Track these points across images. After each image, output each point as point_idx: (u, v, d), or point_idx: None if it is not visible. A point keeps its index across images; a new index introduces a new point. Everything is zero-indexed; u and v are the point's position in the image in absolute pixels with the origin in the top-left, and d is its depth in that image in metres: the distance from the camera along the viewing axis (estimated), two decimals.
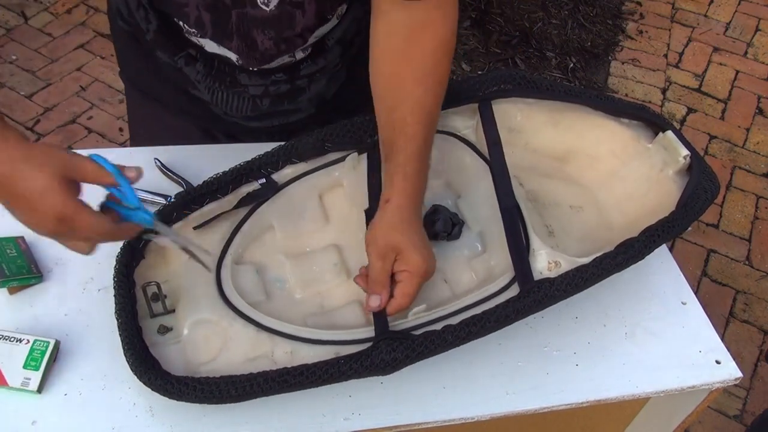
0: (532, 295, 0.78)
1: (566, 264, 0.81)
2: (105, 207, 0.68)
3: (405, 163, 0.79)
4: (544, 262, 0.82)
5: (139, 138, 1.15)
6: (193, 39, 0.90)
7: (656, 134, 0.95)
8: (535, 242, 0.83)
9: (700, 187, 0.88)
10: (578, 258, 0.82)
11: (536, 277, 0.80)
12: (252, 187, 0.87)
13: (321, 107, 1.01)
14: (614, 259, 0.81)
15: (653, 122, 0.96)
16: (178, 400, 0.71)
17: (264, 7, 0.82)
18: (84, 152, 0.64)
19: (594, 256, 0.81)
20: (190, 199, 0.84)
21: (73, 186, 0.64)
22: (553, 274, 0.80)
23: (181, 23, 0.88)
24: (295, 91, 0.96)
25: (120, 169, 0.66)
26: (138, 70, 1.02)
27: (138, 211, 0.67)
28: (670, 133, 0.93)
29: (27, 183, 0.62)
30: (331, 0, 0.87)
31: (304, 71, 0.95)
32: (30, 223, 0.65)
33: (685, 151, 0.91)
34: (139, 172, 0.68)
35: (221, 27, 0.85)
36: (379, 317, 0.77)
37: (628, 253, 0.81)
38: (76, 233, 0.65)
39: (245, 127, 1.01)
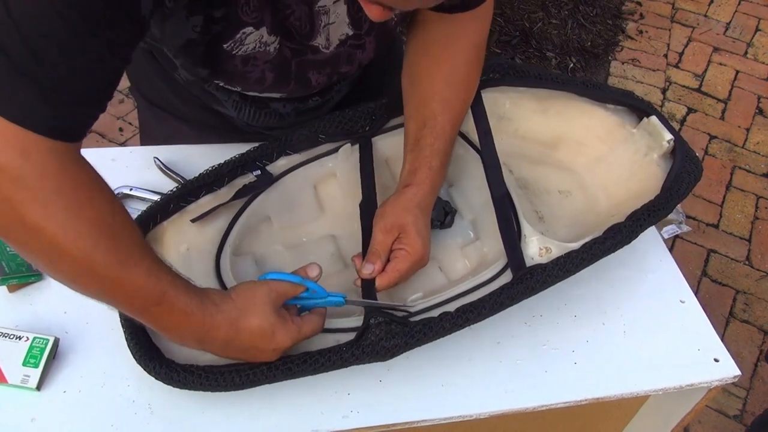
0: (525, 282, 0.79)
1: (557, 250, 0.83)
2: (288, 304, 0.75)
3: (431, 158, 0.83)
4: (536, 248, 0.83)
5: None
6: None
7: (641, 119, 0.97)
8: (527, 229, 0.84)
9: (684, 170, 0.90)
10: (568, 243, 0.83)
11: (528, 263, 0.82)
12: (247, 179, 0.88)
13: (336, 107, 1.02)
14: (603, 244, 0.82)
15: (638, 108, 0.98)
16: (182, 388, 0.72)
17: (324, 50, 0.82)
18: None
19: (583, 242, 0.83)
20: (187, 191, 0.85)
21: (282, 308, 0.72)
22: (544, 260, 0.82)
23: (238, 89, 0.87)
24: (323, 104, 0.97)
25: (302, 275, 0.74)
26: (153, 86, 1.01)
27: (329, 297, 0.75)
28: (654, 118, 0.94)
29: (253, 336, 0.69)
30: (388, 33, 0.87)
31: (336, 87, 0.95)
32: (261, 359, 0.72)
33: (668, 136, 0.92)
34: (319, 269, 0.76)
35: (282, 81, 0.84)
36: (368, 290, 0.79)
37: (616, 238, 0.83)
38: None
39: (263, 133, 1.01)
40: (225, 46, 0.75)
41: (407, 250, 0.79)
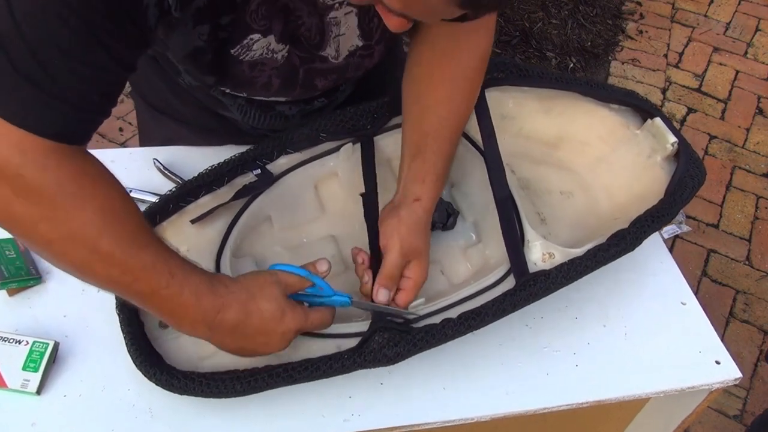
0: (528, 288, 0.79)
1: (560, 255, 0.82)
2: (297, 299, 0.74)
3: (437, 164, 0.83)
4: (539, 254, 0.83)
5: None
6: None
7: (645, 120, 0.96)
8: (530, 233, 0.84)
9: (688, 174, 0.89)
10: (571, 249, 0.83)
11: (531, 268, 0.81)
12: (247, 179, 0.88)
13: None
14: (607, 251, 0.82)
15: (642, 108, 0.97)
16: (182, 394, 0.71)
17: (333, 60, 0.83)
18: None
19: (587, 248, 0.82)
20: (186, 191, 0.84)
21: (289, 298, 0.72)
22: (547, 266, 0.81)
23: (244, 94, 0.87)
24: (328, 105, 0.97)
25: (311, 270, 0.74)
26: (153, 88, 1.01)
27: (335, 297, 0.75)
28: (658, 120, 0.94)
29: (264, 318, 0.69)
30: (396, 38, 0.87)
31: (342, 88, 0.96)
32: (267, 347, 0.71)
33: (672, 138, 0.92)
34: (329, 264, 0.75)
35: (289, 86, 0.85)
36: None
37: (620, 245, 0.83)
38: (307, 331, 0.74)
39: (266, 135, 1.01)
40: (232, 51, 0.75)
41: (415, 279, 0.79)
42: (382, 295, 0.77)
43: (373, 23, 0.80)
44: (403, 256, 0.79)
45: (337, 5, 0.76)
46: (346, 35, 0.80)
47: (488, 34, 0.87)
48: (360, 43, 0.82)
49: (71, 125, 0.61)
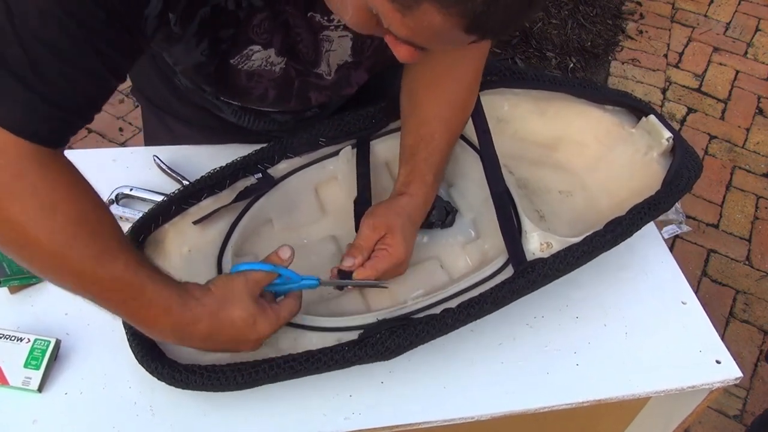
0: (527, 276, 0.79)
1: (558, 244, 0.83)
2: (264, 291, 0.75)
3: (426, 172, 0.85)
4: (536, 244, 0.83)
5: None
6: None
7: (639, 119, 0.97)
8: (527, 225, 0.84)
9: (684, 166, 0.90)
10: (569, 238, 0.83)
11: (529, 258, 0.82)
12: (249, 182, 0.88)
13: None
14: (603, 237, 0.83)
15: (636, 107, 0.98)
16: (184, 388, 0.71)
17: (327, 77, 0.85)
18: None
19: (584, 236, 0.83)
20: (188, 193, 0.85)
21: (259, 297, 0.73)
22: (545, 255, 0.82)
23: (237, 103, 0.88)
24: (320, 113, 0.98)
25: (275, 261, 0.75)
26: (154, 88, 1.02)
27: (303, 281, 0.76)
28: (652, 117, 0.95)
29: (235, 327, 0.70)
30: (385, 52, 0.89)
31: (334, 100, 0.96)
32: (243, 349, 0.73)
33: (667, 134, 0.93)
34: (291, 250, 0.76)
35: (284, 98, 0.86)
36: (344, 275, 0.80)
37: (617, 230, 0.83)
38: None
39: (264, 135, 1.02)
40: (232, 61, 0.76)
41: (389, 251, 0.80)
42: (347, 262, 0.79)
43: (365, 44, 0.82)
44: (372, 228, 0.80)
45: (332, 27, 0.77)
46: (336, 51, 0.81)
47: (482, 52, 0.89)
48: (350, 59, 0.84)
49: (52, 127, 0.61)
